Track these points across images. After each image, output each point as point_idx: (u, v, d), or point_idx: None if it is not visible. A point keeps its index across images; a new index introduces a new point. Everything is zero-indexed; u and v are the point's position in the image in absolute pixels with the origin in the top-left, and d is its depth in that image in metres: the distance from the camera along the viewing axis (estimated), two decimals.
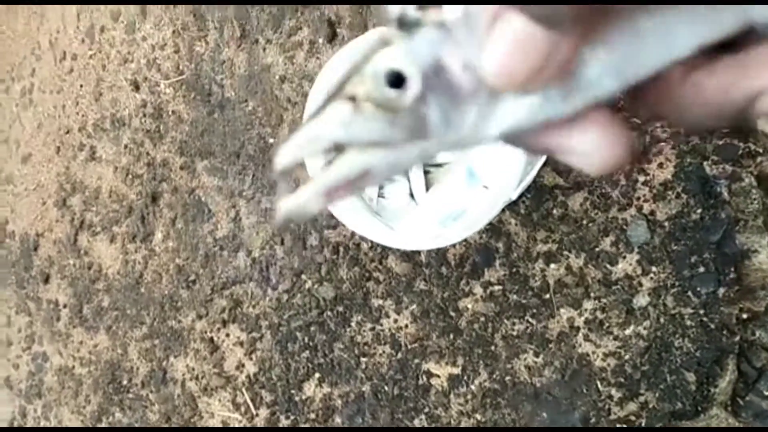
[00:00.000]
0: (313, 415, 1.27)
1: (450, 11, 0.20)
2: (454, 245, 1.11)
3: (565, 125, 0.22)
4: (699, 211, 0.99)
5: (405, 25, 0.21)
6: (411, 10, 0.21)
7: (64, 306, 1.62)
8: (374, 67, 0.21)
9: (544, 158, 0.93)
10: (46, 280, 1.65)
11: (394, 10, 0.21)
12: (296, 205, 0.23)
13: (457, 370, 1.16)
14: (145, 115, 1.42)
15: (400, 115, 0.21)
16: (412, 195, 1.04)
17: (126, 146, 1.46)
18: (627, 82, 0.21)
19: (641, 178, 1.02)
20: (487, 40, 0.20)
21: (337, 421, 1.25)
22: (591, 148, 0.22)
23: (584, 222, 1.05)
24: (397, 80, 0.21)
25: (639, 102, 0.23)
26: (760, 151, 0.98)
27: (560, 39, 0.19)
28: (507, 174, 0.85)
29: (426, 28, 0.21)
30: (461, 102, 0.21)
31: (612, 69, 0.21)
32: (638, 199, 1.02)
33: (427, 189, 1.03)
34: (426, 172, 1.03)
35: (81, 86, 1.52)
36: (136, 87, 1.42)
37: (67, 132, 1.56)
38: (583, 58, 0.21)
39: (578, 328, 1.07)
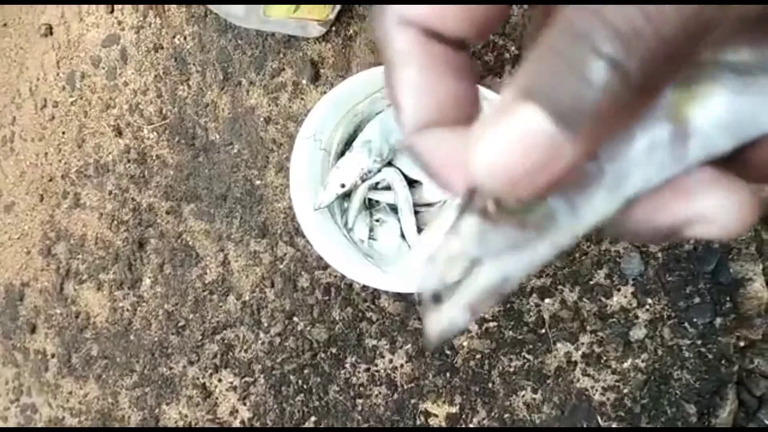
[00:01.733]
0: None
1: None
2: None
3: (683, 190, 0.20)
4: (692, 241, 0.99)
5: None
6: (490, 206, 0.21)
7: (52, 356, 1.59)
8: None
9: None
10: (33, 330, 1.62)
11: None
12: (446, 324, 0.23)
13: (454, 409, 1.15)
14: (129, 161, 1.40)
15: (529, 216, 0.21)
16: (403, 236, 1.03)
17: (110, 192, 1.44)
18: (740, 141, 0.20)
19: None
20: (485, 132, 0.18)
21: None
22: (722, 209, 0.20)
23: (577, 255, 1.05)
24: None
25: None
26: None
27: (570, 140, 0.17)
28: None
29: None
30: (586, 186, 0.21)
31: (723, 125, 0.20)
32: None
33: (419, 230, 1.02)
34: (416, 213, 1.03)
35: (63, 133, 1.50)
36: (119, 132, 1.41)
37: (51, 179, 1.54)
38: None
39: (576, 363, 1.06)
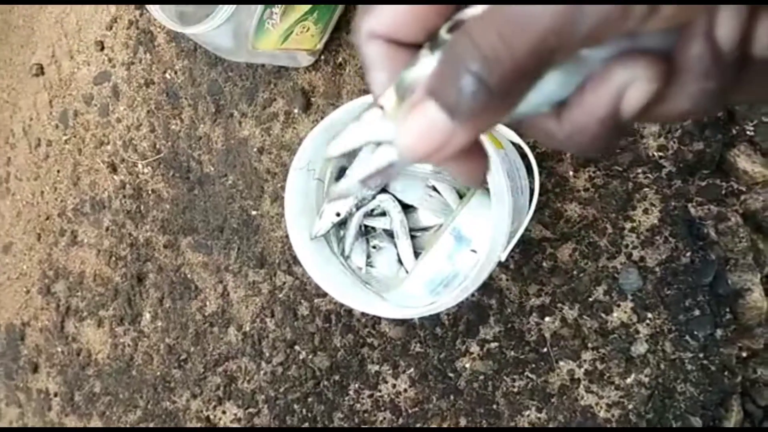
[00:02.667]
0: None
1: None
2: None
3: (601, 76, 0.25)
4: (688, 254, 0.99)
5: (433, 45, 0.25)
6: (443, 32, 0.25)
7: (55, 395, 1.59)
8: (399, 81, 0.26)
9: (530, 215, 0.93)
10: (35, 370, 1.62)
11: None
12: (343, 189, 0.29)
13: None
14: (124, 197, 1.41)
15: None
16: (400, 261, 1.03)
17: (107, 229, 1.44)
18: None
19: (628, 225, 1.01)
20: (404, 119, 0.25)
21: None
22: (642, 66, 0.24)
23: (575, 273, 1.05)
24: None
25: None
26: (743, 189, 0.99)
27: (459, 127, 0.24)
28: (494, 236, 0.84)
29: (442, 50, 0.25)
30: None
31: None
32: (626, 246, 1.02)
33: (416, 254, 1.02)
34: (413, 237, 1.03)
35: (58, 171, 1.51)
36: (114, 169, 1.41)
37: (47, 218, 1.55)
38: None
39: (579, 380, 1.05)
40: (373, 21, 0.27)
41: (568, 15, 0.21)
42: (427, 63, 0.25)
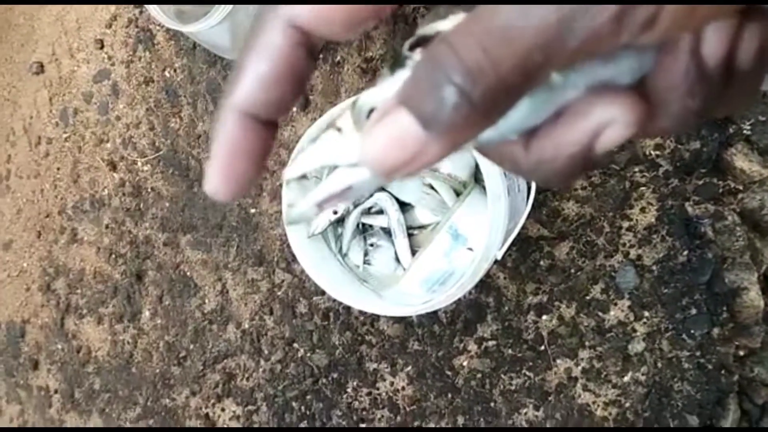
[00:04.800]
0: None
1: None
2: None
3: (577, 111, 0.24)
4: (685, 252, 0.99)
5: (395, 64, 0.24)
6: (405, 49, 0.25)
7: (55, 391, 1.59)
8: (358, 104, 0.25)
9: (527, 214, 0.93)
10: (35, 367, 1.63)
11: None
12: (298, 214, 0.27)
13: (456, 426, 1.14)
14: (124, 194, 1.41)
15: None
16: (397, 259, 1.03)
17: (107, 226, 1.45)
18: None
19: (625, 224, 1.02)
20: (373, 128, 0.23)
21: None
22: (619, 108, 0.24)
23: (572, 271, 1.05)
24: None
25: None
26: (740, 188, 0.99)
27: (434, 140, 0.22)
28: (491, 234, 0.84)
29: (405, 69, 0.24)
30: None
31: None
32: (624, 245, 1.02)
33: (413, 252, 1.02)
34: (410, 235, 1.03)
35: (58, 169, 1.51)
36: (114, 167, 1.42)
37: (47, 216, 1.55)
38: None
39: (576, 379, 1.06)
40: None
41: (554, 30, 0.20)
42: (388, 84, 0.24)
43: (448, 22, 0.24)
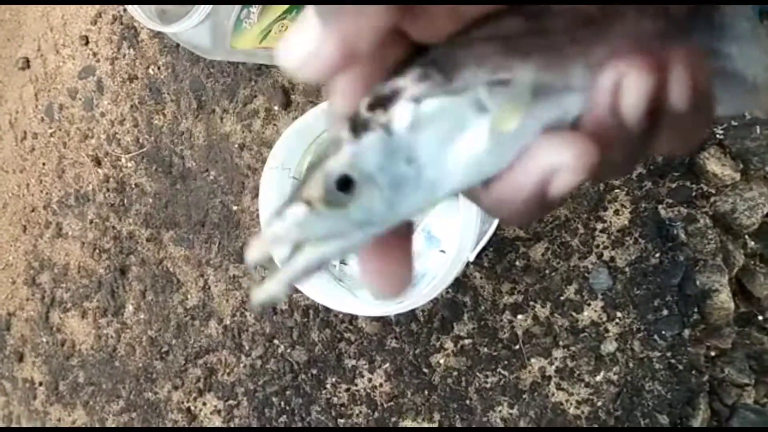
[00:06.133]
0: None
1: (398, 117, 0.23)
2: None
3: (529, 155, 0.24)
4: (658, 255, 1.01)
5: (355, 128, 0.24)
6: (363, 111, 0.24)
7: (40, 384, 1.60)
8: (324, 173, 0.24)
9: None
10: (21, 359, 1.64)
11: (346, 110, 0.25)
12: (266, 295, 0.26)
13: (434, 426, 1.16)
14: (108, 190, 1.42)
15: (349, 211, 0.24)
16: None
17: (91, 221, 1.46)
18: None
19: (599, 226, 1.03)
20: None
21: None
22: (567, 153, 0.23)
23: (547, 272, 1.06)
24: (345, 183, 0.24)
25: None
26: (713, 191, 1.00)
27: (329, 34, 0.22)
28: (462, 237, 0.86)
29: (373, 132, 0.24)
30: (405, 192, 0.24)
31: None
32: (597, 246, 1.03)
33: None
34: None
35: (43, 164, 1.52)
36: (98, 162, 1.43)
37: (33, 210, 1.56)
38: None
39: (550, 378, 1.07)
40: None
41: None
42: (357, 150, 0.24)
43: (407, 79, 0.24)
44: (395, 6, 0.22)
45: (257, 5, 0.99)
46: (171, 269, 1.37)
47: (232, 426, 1.33)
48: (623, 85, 0.22)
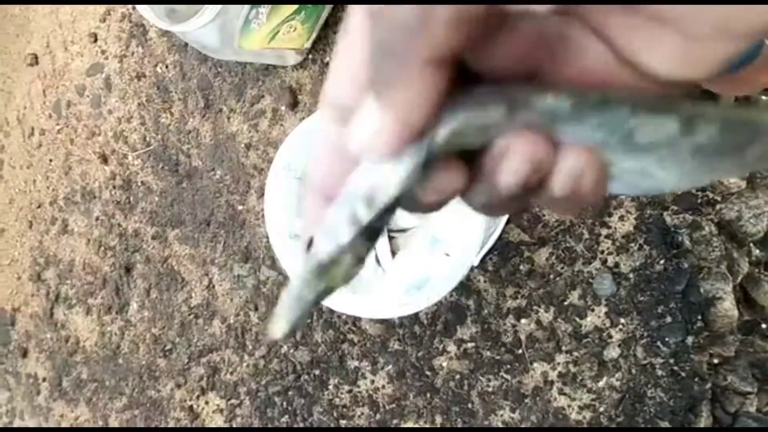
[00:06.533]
0: None
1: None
2: None
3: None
4: (662, 261, 1.00)
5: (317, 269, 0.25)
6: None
7: (44, 380, 1.61)
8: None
9: (504, 221, 0.95)
10: (25, 355, 1.64)
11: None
12: (281, 333, 0.26)
13: (435, 428, 1.16)
14: (114, 187, 1.43)
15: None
16: (378, 261, 1.05)
17: (97, 218, 1.46)
18: None
19: (604, 232, 1.03)
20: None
21: None
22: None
23: (551, 276, 1.06)
24: None
25: None
26: (718, 198, 1.00)
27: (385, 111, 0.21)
28: (468, 241, 0.86)
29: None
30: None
31: None
32: (602, 252, 1.03)
33: (393, 254, 1.03)
34: (391, 238, 1.04)
35: (50, 161, 1.52)
36: (105, 160, 1.43)
37: (39, 206, 1.56)
38: None
39: (552, 382, 1.07)
40: None
41: None
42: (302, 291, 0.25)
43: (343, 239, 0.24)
44: (440, 72, 0.20)
45: (266, 6, 1.00)
46: (176, 267, 1.37)
47: (234, 425, 1.33)
48: (505, 158, 0.22)
